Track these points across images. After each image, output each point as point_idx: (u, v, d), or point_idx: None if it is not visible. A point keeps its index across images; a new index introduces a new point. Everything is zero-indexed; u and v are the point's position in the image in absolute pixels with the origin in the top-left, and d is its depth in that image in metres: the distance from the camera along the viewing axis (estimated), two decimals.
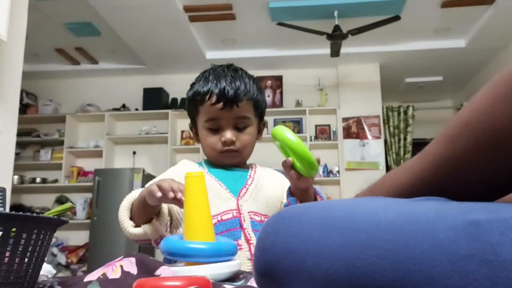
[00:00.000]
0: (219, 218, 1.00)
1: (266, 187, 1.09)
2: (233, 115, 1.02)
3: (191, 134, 1.15)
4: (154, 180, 0.99)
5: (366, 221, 0.39)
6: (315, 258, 0.39)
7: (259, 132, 1.14)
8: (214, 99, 1.00)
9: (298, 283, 0.40)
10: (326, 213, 0.43)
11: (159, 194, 0.85)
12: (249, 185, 1.07)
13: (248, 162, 1.16)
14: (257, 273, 0.46)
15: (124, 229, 0.98)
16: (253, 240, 0.97)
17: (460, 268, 0.33)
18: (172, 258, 0.71)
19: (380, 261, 0.36)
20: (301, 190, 0.93)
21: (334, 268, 0.38)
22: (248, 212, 1.02)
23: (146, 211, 0.96)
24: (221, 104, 1.00)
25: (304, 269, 0.40)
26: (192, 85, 1.07)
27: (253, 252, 0.89)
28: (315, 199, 0.97)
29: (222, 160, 1.06)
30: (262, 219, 1.02)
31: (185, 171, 1.04)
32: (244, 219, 1.01)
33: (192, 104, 1.07)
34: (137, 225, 0.98)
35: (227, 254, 0.73)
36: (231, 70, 1.06)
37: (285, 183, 1.10)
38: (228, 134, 1.02)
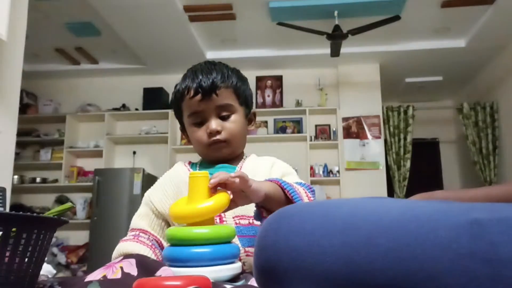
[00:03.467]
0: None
1: None
2: (214, 104, 0.99)
3: (185, 137, 1.11)
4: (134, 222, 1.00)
5: (367, 219, 0.39)
6: (316, 256, 0.39)
7: (250, 123, 1.10)
8: (192, 92, 0.98)
9: (298, 281, 0.40)
10: (328, 211, 0.43)
11: None
12: None
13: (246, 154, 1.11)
14: (257, 270, 0.46)
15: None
16: (240, 247, 0.90)
17: (461, 266, 0.33)
18: (175, 264, 0.70)
19: (381, 259, 0.36)
20: (262, 201, 0.81)
21: (335, 266, 0.38)
22: (233, 217, 0.96)
23: None
24: (199, 95, 0.98)
25: (305, 267, 0.40)
26: (174, 89, 1.06)
27: (242, 260, 0.89)
28: (285, 194, 0.86)
29: (211, 153, 1.02)
30: (251, 221, 0.96)
31: (178, 176, 1.03)
32: None
33: (175, 105, 1.05)
34: None
35: (229, 257, 0.72)
36: (207, 63, 1.05)
37: (274, 165, 1.05)
38: (213, 124, 0.98)
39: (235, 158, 1.07)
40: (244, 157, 1.09)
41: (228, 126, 1.00)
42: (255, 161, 1.08)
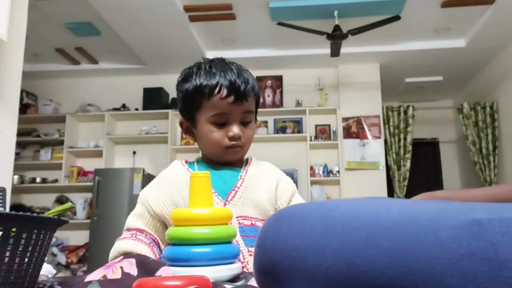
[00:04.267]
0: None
1: (257, 188, 1.02)
2: (242, 109, 0.98)
3: (182, 129, 1.09)
4: (130, 221, 0.99)
5: (367, 219, 0.39)
6: (316, 257, 0.39)
7: None
8: (225, 92, 0.95)
9: (298, 282, 0.40)
10: (327, 212, 0.43)
11: None
12: (239, 188, 1.00)
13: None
14: (257, 271, 0.46)
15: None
16: (243, 247, 0.92)
17: (461, 266, 0.33)
18: (176, 264, 0.70)
19: (381, 259, 0.36)
20: None
21: (335, 266, 0.38)
22: (237, 217, 0.97)
23: None
24: (232, 97, 0.95)
25: (305, 267, 0.40)
26: (186, 78, 1.01)
27: (242, 260, 0.89)
28: None
29: (225, 156, 1.02)
30: (253, 222, 0.98)
31: (175, 175, 1.03)
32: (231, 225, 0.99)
33: (193, 98, 1.00)
34: None
35: (230, 257, 0.73)
36: (232, 64, 1.02)
37: (280, 182, 1.06)
38: (236, 129, 0.98)
39: (240, 160, 1.08)
40: (244, 159, 1.09)
41: (247, 133, 1.01)
42: (258, 167, 1.08)
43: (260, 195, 1.01)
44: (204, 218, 0.73)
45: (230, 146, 0.99)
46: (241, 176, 1.03)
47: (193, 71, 1.01)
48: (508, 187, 0.78)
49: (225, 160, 1.03)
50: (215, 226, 0.73)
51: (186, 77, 1.01)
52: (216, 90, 0.96)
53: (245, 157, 1.10)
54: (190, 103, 1.01)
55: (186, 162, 1.07)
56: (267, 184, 1.03)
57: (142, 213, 1.00)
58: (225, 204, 0.98)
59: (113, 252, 0.94)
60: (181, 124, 1.08)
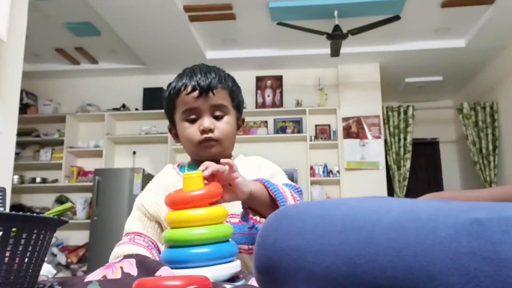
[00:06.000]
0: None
1: None
2: (210, 103, 1.00)
3: (171, 135, 1.13)
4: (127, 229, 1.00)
5: (367, 219, 0.39)
6: (316, 256, 0.40)
7: (238, 128, 1.12)
8: (189, 88, 1.00)
9: (298, 281, 0.40)
10: (327, 211, 0.43)
11: None
12: None
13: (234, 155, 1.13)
14: (257, 270, 0.46)
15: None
16: None
17: (461, 266, 0.33)
18: (174, 266, 0.70)
19: (381, 258, 0.36)
20: (248, 198, 0.84)
21: (335, 265, 0.38)
22: None
23: None
24: (196, 92, 0.99)
25: (305, 266, 0.40)
26: (168, 86, 1.08)
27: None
28: (270, 195, 0.88)
29: (201, 151, 1.03)
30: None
31: (166, 179, 1.05)
32: None
33: (168, 101, 1.07)
34: None
35: (228, 256, 0.73)
36: (204, 65, 1.07)
37: (261, 167, 1.08)
38: (206, 122, 1.00)
39: (223, 158, 1.08)
40: (232, 158, 1.11)
41: (220, 126, 1.02)
42: (242, 161, 1.11)
43: None
44: (200, 219, 0.73)
45: (202, 140, 1.01)
46: None
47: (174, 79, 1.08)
48: None
49: (203, 156, 1.02)
50: (212, 226, 0.73)
51: (168, 85, 1.09)
52: (182, 88, 1.02)
53: (234, 156, 1.12)
54: (167, 107, 1.09)
55: (178, 166, 1.11)
56: (249, 175, 1.02)
57: (139, 217, 1.02)
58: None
59: (112, 258, 0.95)
60: (170, 130, 1.13)
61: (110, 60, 5.45)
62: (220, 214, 0.75)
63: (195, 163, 1.07)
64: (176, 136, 1.10)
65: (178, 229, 0.73)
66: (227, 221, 0.96)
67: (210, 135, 1.00)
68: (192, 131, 1.02)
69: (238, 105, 1.08)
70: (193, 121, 1.02)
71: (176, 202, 0.75)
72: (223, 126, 1.02)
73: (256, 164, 1.10)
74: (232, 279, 0.72)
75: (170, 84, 1.08)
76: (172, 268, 0.69)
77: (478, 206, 0.36)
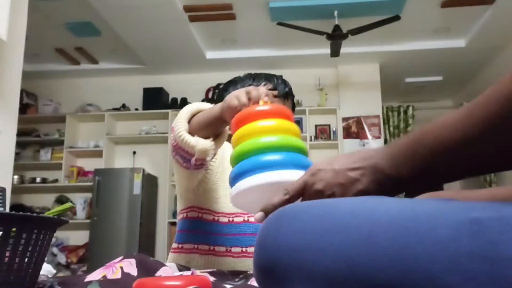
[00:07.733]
0: (246, 219, 0.98)
1: None
2: None
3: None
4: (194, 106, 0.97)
5: (367, 218, 0.39)
6: (315, 255, 0.40)
7: None
8: (271, 86, 1.04)
9: (298, 280, 0.40)
10: (327, 210, 0.43)
11: (243, 100, 0.79)
12: None
13: None
14: (257, 270, 0.46)
15: (186, 140, 0.90)
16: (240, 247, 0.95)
17: (460, 265, 0.33)
18: (247, 175, 0.66)
19: (380, 258, 0.36)
20: None
21: (335, 265, 0.38)
22: (227, 215, 0.98)
23: (212, 128, 0.91)
24: (276, 91, 1.05)
25: (305, 266, 0.40)
26: (228, 84, 1.08)
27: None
28: None
29: None
30: (246, 218, 0.99)
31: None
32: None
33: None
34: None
35: (300, 165, 0.69)
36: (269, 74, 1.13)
37: None
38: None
39: None
40: None
41: None
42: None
43: None
44: (270, 129, 0.72)
45: None
46: None
47: (234, 82, 1.15)
48: None
49: None
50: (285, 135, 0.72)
51: (225, 88, 1.14)
52: (262, 84, 1.08)
53: None
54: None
55: None
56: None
57: None
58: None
59: (185, 112, 0.94)
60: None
61: (110, 60, 5.45)
62: (292, 127, 0.75)
63: None
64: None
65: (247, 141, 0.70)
66: (231, 221, 0.96)
67: None
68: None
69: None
70: None
71: (243, 118, 0.73)
72: None
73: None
74: (232, 278, 0.72)
75: (229, 83, 1.08)
76: (246, 177, 0.67)
77: (478, 206, 0.36)
